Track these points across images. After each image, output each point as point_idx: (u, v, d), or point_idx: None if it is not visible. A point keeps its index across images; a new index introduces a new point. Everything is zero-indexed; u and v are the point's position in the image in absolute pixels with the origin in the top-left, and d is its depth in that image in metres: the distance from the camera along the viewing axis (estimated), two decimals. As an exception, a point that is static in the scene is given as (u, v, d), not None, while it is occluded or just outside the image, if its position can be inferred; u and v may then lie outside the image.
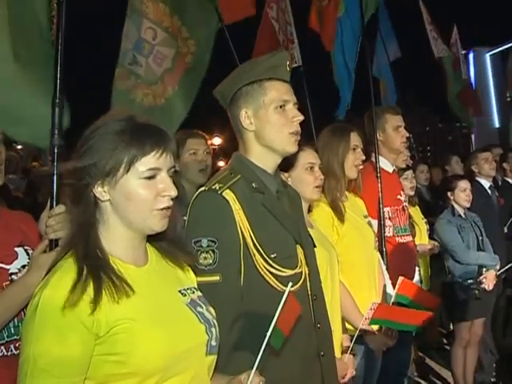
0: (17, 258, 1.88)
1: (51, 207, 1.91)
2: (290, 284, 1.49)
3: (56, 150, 2.04)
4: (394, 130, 3.58)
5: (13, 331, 1.78)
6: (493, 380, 4.79)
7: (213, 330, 1.47)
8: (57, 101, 2.06)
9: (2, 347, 1.77)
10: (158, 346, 1.32)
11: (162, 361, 1.32)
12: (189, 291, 1.50)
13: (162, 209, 1.39)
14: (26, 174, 8.09)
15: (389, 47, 7.40)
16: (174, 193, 1.39)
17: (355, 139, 2.99)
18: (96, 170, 1.36)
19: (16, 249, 1.90)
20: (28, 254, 1.92)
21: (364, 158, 3.03)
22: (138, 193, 1.37)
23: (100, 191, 1.38)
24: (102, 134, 1.38)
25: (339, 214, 2.80)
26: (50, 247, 1.82)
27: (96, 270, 1.32)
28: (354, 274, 2.75)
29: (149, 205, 1.38)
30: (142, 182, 1.37)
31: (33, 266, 1.78)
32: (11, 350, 1.78)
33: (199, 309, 1.48)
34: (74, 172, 1.38)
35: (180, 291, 1.48)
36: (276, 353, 1.69)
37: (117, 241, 1.41)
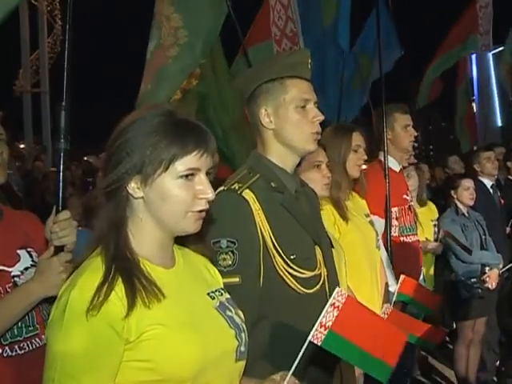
0: (19, 260, 1.85)
1: (56, 213, 1.84)
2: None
3: (62, 154, 1.95)
4: (402, 129, 3.57)
5: (16, 332, 1.78)
6: (495, 379, 4.78)
7: (242, 335, 1.40)
8: (63, 104, 1.96)
9: (7, 347, 1.76)
10: (189, 352, 1.26)
11: (192, 368, 1.26)
12: (217, 293, 1.44)
13: (198, 211, 1.33)
14: (27, 174, 8.11)
15: (390, 45, 7.34)
16: (211, 195, 1.33)
17: (357, 139, 2.98)
18: (134, 167, 1.29)
19: (18, 251, 1.86)
20: (31, 256, 1.88)
21: (366, 157, 3.03)
22: (175, 193, 1.29)
23: (133, 187, 1.30)
24: (139, 128, 1.30)
25: (341, 212, 2.80)
26: (56, 253, 1.76)
27: (126, 273, 1.26)
28: (355, 272, 2.74)
29: (185, 206, 1.31)
30: (179, 182, 1.30)
31: (36, 272, 1.76)
32: (15, 351, 1.77)
33: (228, 313, 1.41)
34: (113, 175, 1.30)
35: (208, 294, 1.41)
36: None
37: (146, 240, 1.34)
